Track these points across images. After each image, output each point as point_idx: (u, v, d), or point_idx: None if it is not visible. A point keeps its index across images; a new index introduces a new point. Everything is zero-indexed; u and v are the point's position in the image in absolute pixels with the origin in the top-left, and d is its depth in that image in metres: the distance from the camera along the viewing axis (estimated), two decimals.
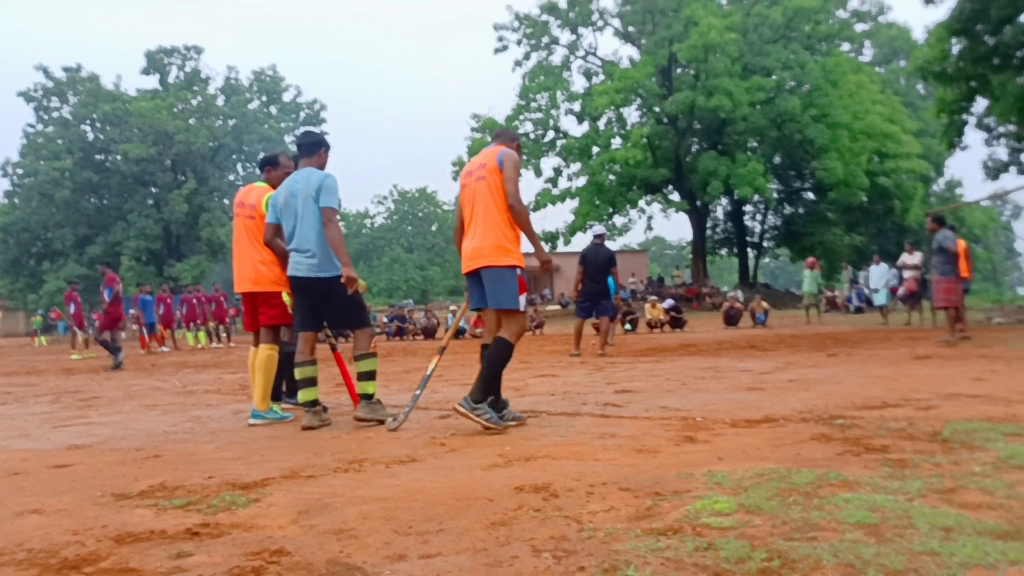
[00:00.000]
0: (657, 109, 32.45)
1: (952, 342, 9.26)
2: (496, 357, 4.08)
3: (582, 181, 32.89)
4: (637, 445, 3.43)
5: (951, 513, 2.11)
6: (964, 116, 18.33)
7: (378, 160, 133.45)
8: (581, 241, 34.25)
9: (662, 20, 32.09)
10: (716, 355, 9.32)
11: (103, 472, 3.31)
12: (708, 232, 38.17)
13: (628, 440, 3.57)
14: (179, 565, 1.97)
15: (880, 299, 17.71)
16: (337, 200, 4.41)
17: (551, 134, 34.20)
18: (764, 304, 19.15)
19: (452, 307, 23.78)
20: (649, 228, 41.12)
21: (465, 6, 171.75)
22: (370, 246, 67.41)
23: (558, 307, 30.80)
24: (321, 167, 4.57)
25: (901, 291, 15.44)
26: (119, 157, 39.75)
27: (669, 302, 19.48)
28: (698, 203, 34.16)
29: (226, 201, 39.90)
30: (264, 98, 44.11)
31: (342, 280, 4.33)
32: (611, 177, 32.00)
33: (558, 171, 34.00)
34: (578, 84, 34.97)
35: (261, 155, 7.01)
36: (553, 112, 33.77)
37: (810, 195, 37.74)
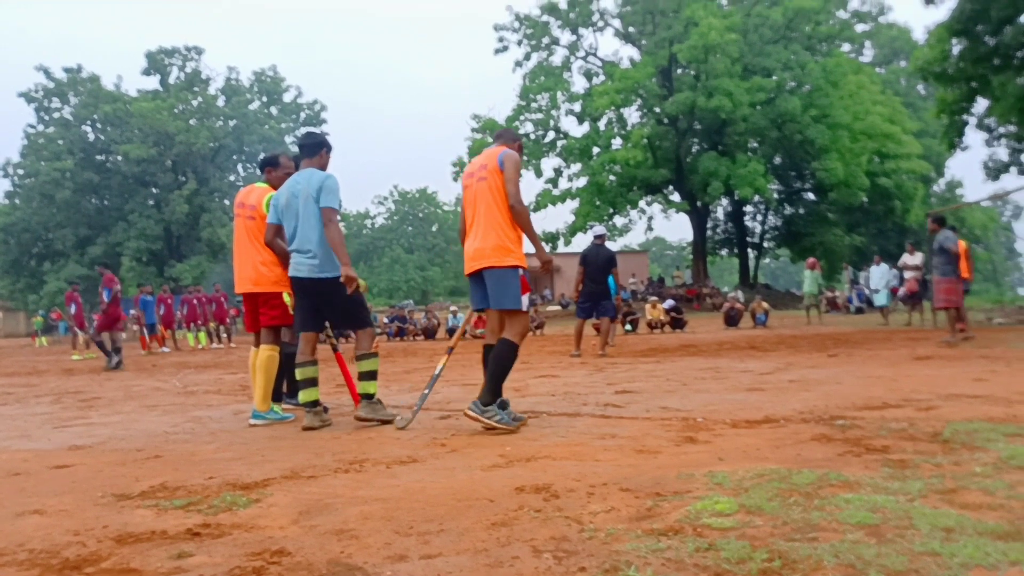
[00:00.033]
0: (657, 110, 32.46)
1: (953, 342, 9.26)
2: (502, 359, 4.08)
3: (582, 182, 32.90)
4: (638, 446, 3.43)
5: (952, 514, 2.11)
6: (964, 117, 18.33)
7: (378, 160, 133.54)
8: (581, 242, 34.33)
9: (662, 21, 32.10)
10: (716, 356, 9.31)
11: (104, 472, 3.31)
12: (708, 233, 38.17)
13: (629, 441, 3.57)
14: (180, 565, 1.98)
15: (881, 300, 17.71)
16: (338, 201, 4.42)
17: (551, 135, 34.21)
18: (764, 305, 19.15)
19: (453, 307, 23.77)
20: (649, 229, 41.19)
21: (465, 5, 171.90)
22: (370, 246, 67.40)
23: (558, 308, 30.80)
24: (323, 168, 4.58)
25: (902, 291, 15.44)
26: (120, 158, 39.76)
27: (669, 303, 19.47)
28: (698, 204, 34.16)
29: (227, 202, 39.91)
30: (265, 99, 44.11)
31: (341, 280, 4.34)
32: (611, 178, 32.00)
33: (558, 171, 34.03)
34: (578, 85, 35.03)
35: (261, 156, 7.02)
36: (553, 113, 33.79)
37: (810, 196, 37.73)
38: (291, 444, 3.97)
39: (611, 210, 32.55)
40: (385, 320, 22.00)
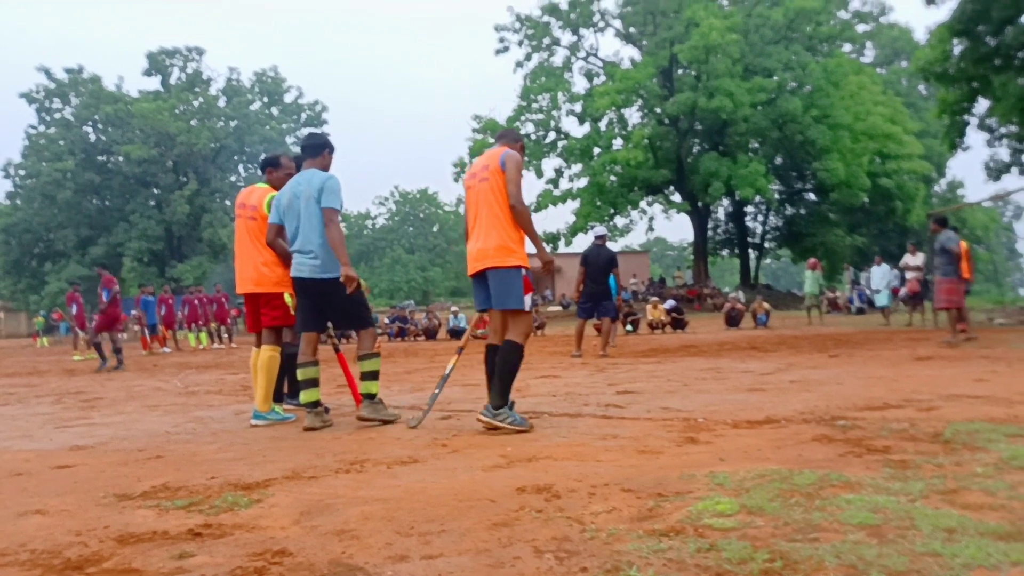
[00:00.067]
0: (658, 110, 32.44)
1: (954, 343, 9.25)
2: (508, 361, 4.08)
3: (583, 182, 32.88)
4: (639, 446, 3.43)
5: (953, 514, 2.11)
6: (966, 117, 18.33)
7: (378, 160, 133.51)
8: (582, 242, 34.27)
9: (663, 21, 32.10)
10: (717, 356, 9.31)
11: (105, 473, 3.31)
12: (709, 233, 38.13)
13: (630, 441, 3.57)
14: (181, 566, 1.98)
15: (882, 300, 17.70)
16: (339, 201, 4.43)
17: (552, 135, 34.20)
18: (765, 305, 19.15)
19: (454, 308, 23.78)
20: (650, 229, 41.04)
21: (465, 5, 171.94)
22: (371, 247, 67.40)
23: (559, 308, 30.81)
24: (325, 169, 4.59)
25: (903, 292, 15.43)
26: (121, 158, 39.77)
27: (670, 303, 19.47)
28: (699, 204, 34.14)
29: (228, 202, 39.90)
30: (266, 99, 44.10)
31: (341, 279, 4.35)
32: (612, 178, 31.99)
33: (559, 172, 34.01)
34: (579, 85, 35.00)
35: (262, 156, 7.03)
36: (554, 113, 33.78)
37: (811, 196, 37.70)
38: (292, 444, 3.97)
39: (612, 210, 32.54)
40: (386, 320, 22.01)
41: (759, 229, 40.80)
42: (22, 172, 40.88)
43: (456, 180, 34.34)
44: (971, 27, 15.43)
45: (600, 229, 10.73)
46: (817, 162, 31.54)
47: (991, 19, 14.99)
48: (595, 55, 35.87)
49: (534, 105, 33.66)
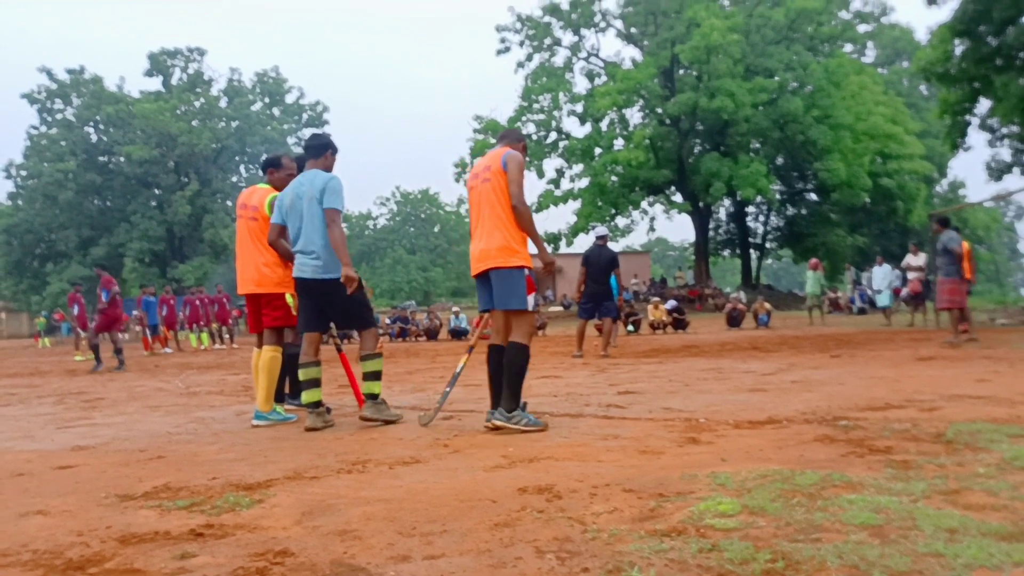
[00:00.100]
0: (659, 110, 32.45)
1: (956, 343, 9.25)
2: (515, 362, 4.08)
3: (584, 182, 32.89)
4: (640, 446, 3.43)
5: (955, 514, 2.11)
6: (967, 117, 18.32)
7: (379, 160, 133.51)
8: (583, 242, 34.22)
9: (664, 21, 32.10)
10: (719, 356, 9.31)
11: (107, 473, 3.32)
12: (711, 233, 38.11)
13: (631, 441, 3.57)
14: (183, 566, 1.98)
15: (883, 300, 17.68)
16: (341, 202, 4.44)
17: (553, 135, 34.22)
18: (767, 305, 19.14)
19: (455, 308, 23.78)
20: (652, 229, 40.92)
21: (465, 5, 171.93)
22: (372, 247, 67.42)
23: (560, 308, 30.81)
24: (327, 169, 4.60)
25: (905, 292, 15.42)
26: (122, 159, 39.81)
27: (672, 303, 19.47)
28: (700, 204, 34.14)
29: (229, 203, 39.93)
30: (267, 100, 44.12)
31: (341, 279, 4.35)
32: (613, 178, 32.00)
33: (560, 172, 34.03)
34: (580, 85, 35.01)
35: (264, 157, 7.02)
36: (555, 113, 33.80)
37: (813, 196, 37.69)
38: (294, 445, 3.98)
39: (613, 211, 32.55)
40: (387, 321, 22.01)
41: (760, 229, 40.79)
42: (24, 173, 40.93)
43: (457, 180, 34.36)
44: (972, 27, 15.43)
45: (601, 229, 10.73)
46: (818, 162, 31.54)
47: (992, 19, 14.98)
48: (596, 55, 35.91)
49: (535, 105, 33.68)
